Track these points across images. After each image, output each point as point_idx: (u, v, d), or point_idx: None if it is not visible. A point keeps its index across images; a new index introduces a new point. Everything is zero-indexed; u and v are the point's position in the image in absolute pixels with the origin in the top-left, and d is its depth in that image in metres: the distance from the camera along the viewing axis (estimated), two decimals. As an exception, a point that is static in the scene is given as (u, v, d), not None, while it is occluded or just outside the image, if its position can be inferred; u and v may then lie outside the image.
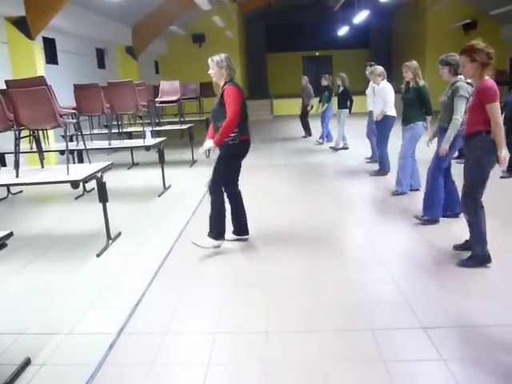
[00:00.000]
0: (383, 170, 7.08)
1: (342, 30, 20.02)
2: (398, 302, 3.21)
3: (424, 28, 17.38)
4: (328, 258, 4.06)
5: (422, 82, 5.52)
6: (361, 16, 15.93)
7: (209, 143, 4.09)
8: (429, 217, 4.74)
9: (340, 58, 23.46)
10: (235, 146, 4.10)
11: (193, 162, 8.77)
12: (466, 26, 16.56)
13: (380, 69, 6.89)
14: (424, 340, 2.73)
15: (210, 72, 4.12)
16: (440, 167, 4.58)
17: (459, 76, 4.38)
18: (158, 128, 8.80)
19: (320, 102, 10.76)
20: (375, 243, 4.40)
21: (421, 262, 3.88)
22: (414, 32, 18.63)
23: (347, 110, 9.55)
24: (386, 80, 6.84)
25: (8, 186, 6.09)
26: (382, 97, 6.66)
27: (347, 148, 9.78)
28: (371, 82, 7.65)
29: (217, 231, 4.22)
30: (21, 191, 7.10)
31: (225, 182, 4.25)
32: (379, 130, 6.89)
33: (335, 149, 9.77)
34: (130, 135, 8.72)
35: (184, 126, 9.04)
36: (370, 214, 5.46)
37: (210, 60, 4.10)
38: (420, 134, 5.66)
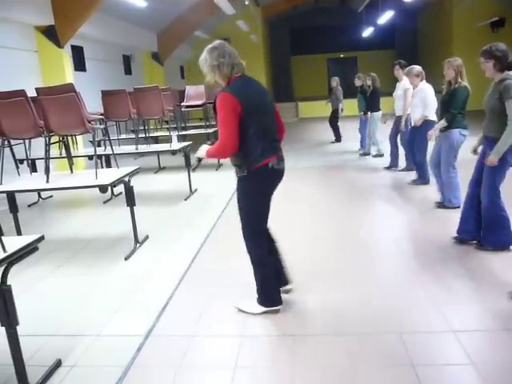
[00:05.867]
0: (423, 179, 6.45)
1: (367, 31, 19.87)
2: (427, 305, 3.15)
3: (450, 27, 17.10)
4: (355, 261, 4.03)
5: (463, 83, 4.78)
6: (385, 16, 15.78)
7: (202, 150, 3.06)
8: (492, 246, 3.95)
9: (365, 59, 23.27)
10: (250, 179, 2.93)
11: (218, 166, 8.82)
12: (494, 23, 16.20)
13: (418, 68, 6.22)
14: (454, 343, 2.67)
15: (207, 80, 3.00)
16: (496, 185, 3.81)
17: (508, 72, 3.63)
18: (184, 132, 8.90)
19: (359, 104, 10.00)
20: (405, 247, 4.34)
21: (451, 265, 3.81)
22: (441, 31, 18.34)
23: (380, 113, 8.91)
24: (424, 80, 6.20)
25: (39, 190, 6.24)
26: (421, 99, 6.05)
27: (369, 154, 9.24)
28: (398, 84, 7.24)
29: (264, 297, 3.14)
30: (51, 196, 7.26)
31: (256, 226, 3.06)
32: (418, 136, 6.17)
33: (379, 155, 8.94)
34: (156, 140, 8.84)
35: (210, 130, 9.10)
36: (407, 226, 5.39)
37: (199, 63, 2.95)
38: (458, 141, 4.96)
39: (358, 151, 9.90)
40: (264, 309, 3.14)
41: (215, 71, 2.88)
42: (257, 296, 3.16)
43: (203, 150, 3.03)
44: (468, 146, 4.39)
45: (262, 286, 3.13)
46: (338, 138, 11.45)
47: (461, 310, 3.08)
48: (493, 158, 3.66)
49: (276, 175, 3.00)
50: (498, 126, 3.67)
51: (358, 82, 10.03)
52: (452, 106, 4.85)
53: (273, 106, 3.09)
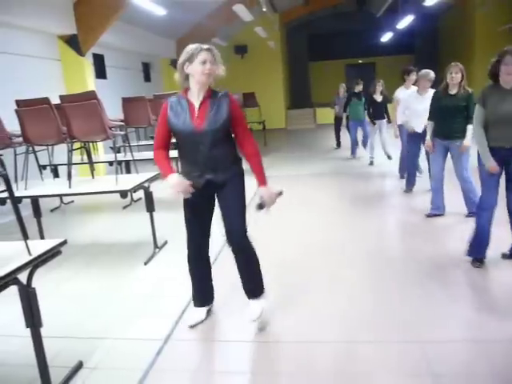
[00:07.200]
0: (410, 185, 6.44)
1: (386, 36, 19.76)
2: (449, 314, 3.13)
3: (472, 31, 16.89)
4: (374, 269, 4.01)
5: (470, 89, 4.82)
6: (405, 21, 15.66)
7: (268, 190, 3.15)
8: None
9: (383, 65, 23.15)
10: (243, 174, 3.31)
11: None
12: (516, 27, 15.97)
13: (433, 74, 5.93)
14: (475, 353, 2.65)
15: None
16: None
17: None
18: (202, 138, 8.93)
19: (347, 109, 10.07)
20: (420, 257, 4.31)
21: (473, 275, 3.77)
22: (462, 35, 18.13)
23: (385, 120, 8.74)
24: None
25: (62, 195, 6.35)
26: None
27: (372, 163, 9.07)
28: (401, 89, 7.04)
29: (263, 287, 3.25)
30: (72, 201, 7.38)
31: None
32: (418, 142, 6.13)
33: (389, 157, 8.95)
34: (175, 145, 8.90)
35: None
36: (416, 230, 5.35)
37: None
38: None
39: (349, 157, 10.05)
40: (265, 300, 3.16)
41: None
42: (258, 291, 3.18)
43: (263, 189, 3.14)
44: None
45: (260, 277, 3.18)
46: (339, 144, 11.75)
47: (483, 320, 3.05)
48: None
49: None
50: None
51: (357, 88, 9.82)
52: (470, 115, 4.51)
53: None
